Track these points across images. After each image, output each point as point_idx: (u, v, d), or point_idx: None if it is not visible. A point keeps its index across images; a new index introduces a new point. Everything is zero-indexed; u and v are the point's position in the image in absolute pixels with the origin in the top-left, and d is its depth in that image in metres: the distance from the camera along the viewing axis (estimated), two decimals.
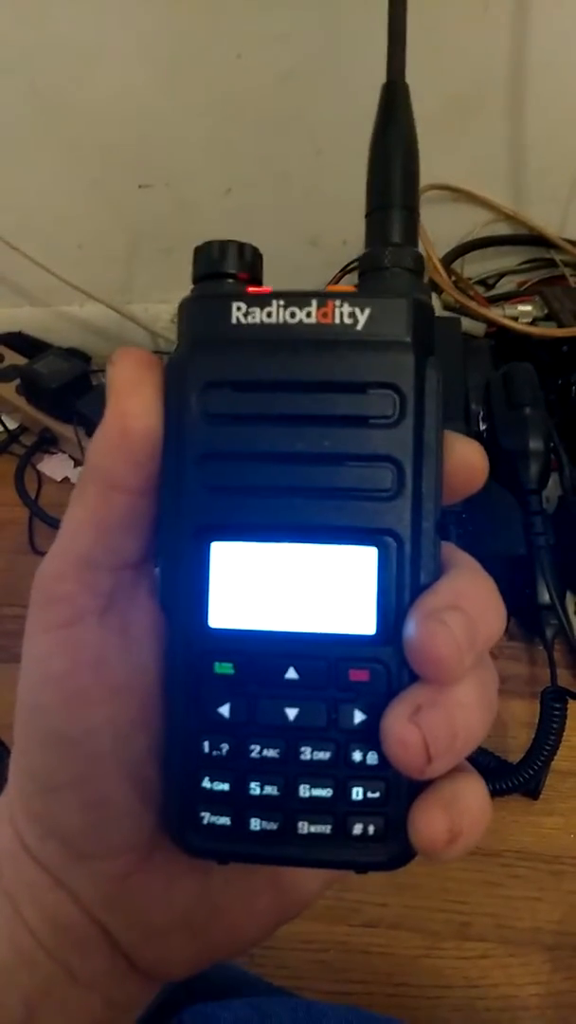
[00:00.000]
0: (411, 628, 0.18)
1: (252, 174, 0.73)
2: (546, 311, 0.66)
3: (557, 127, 0.69)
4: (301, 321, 0.18)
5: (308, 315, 0.18)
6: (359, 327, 0.18)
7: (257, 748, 0.18)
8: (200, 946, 0.21)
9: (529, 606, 0.54)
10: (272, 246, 0.84)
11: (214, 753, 0.18)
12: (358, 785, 0.18)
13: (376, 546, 0.18)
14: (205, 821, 0.19)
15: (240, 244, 0.20)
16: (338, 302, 0.18)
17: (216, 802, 0.18)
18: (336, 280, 0.75)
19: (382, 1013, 0.40)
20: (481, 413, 0.52)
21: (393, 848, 0.18)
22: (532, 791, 0.51)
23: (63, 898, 0.20)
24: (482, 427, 0.52)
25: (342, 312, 0.18)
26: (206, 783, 0.18)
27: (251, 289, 0.19)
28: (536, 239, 0.73)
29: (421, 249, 0.22)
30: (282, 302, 0.18)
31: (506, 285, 0.75)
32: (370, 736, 0.18)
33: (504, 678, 0.60)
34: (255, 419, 0.18)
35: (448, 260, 0.70)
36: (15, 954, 0.20)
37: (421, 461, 0.18)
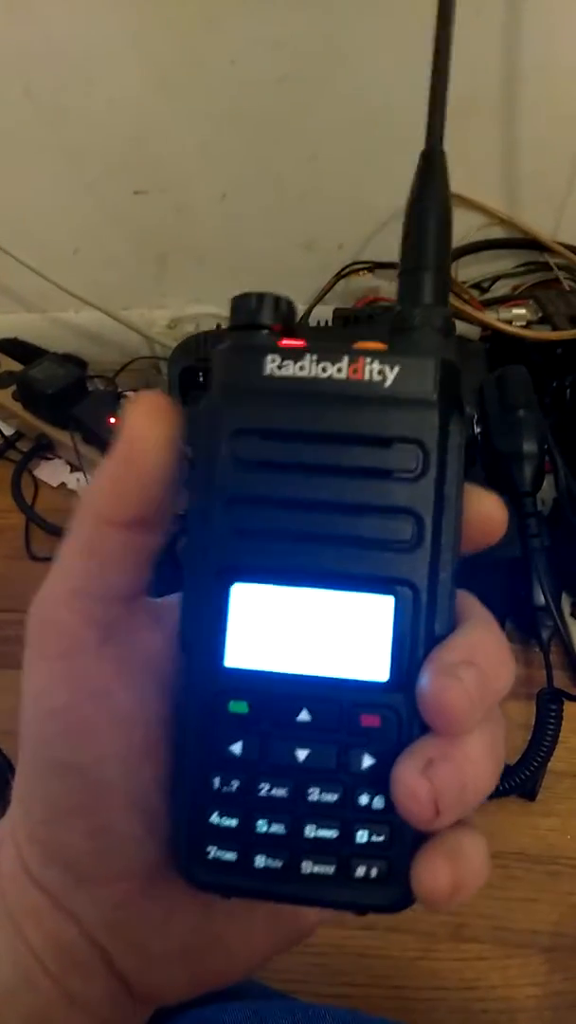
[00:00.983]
0: (425, 680, 0.18)
1: (247, 179, 0.73)
2: (540, 314, 0.66)
3: (550, 131, 0.69)
4: (332, 376, 0.19)
5: (339, 371, 0.19)
6: (387, 384, 0.19)
7: (266, 787, 0.19)
8: (196, 974, 0.21)
9: (525, 608, 0.54)
10: (267, 251, 0.85)
11: (224, 789, 0.19)
12: (363, 828, 0.19)
13: (393, 595, 0.19)
14: (211, 855, 0.19)
15: (276, 297, 0.20)
16: (368, 359, 0.19)
17: (223, 837, 0.19)
18: (331, 285, 0.75)
19: (380, 1015, 0.40)
20: (475, 416, 0.52)
21: (394, 892, 0.19)
22: (529, 792, 0.51)
23: (65, 922, 0.20)
24: (476, 430, 0.52)
25: (372, 369, 0.19)
26: (214, 818, 0.19)
27: (285, 342, 0.20)
28: (530, 243, 0.74)
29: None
30: (315, 357, 0.19)
31: (501, 289, 0.75)
32: (378, 781, 0.18)
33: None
34: (282, 467, 0.19)
35: None
36: (18, 975, 0.20)
37: (441, 514, 0.19)
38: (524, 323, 0.66)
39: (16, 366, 0.77)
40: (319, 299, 0.76)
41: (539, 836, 0.50)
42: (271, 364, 0.19)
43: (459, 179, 0.80)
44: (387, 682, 0.19)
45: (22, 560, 0.67)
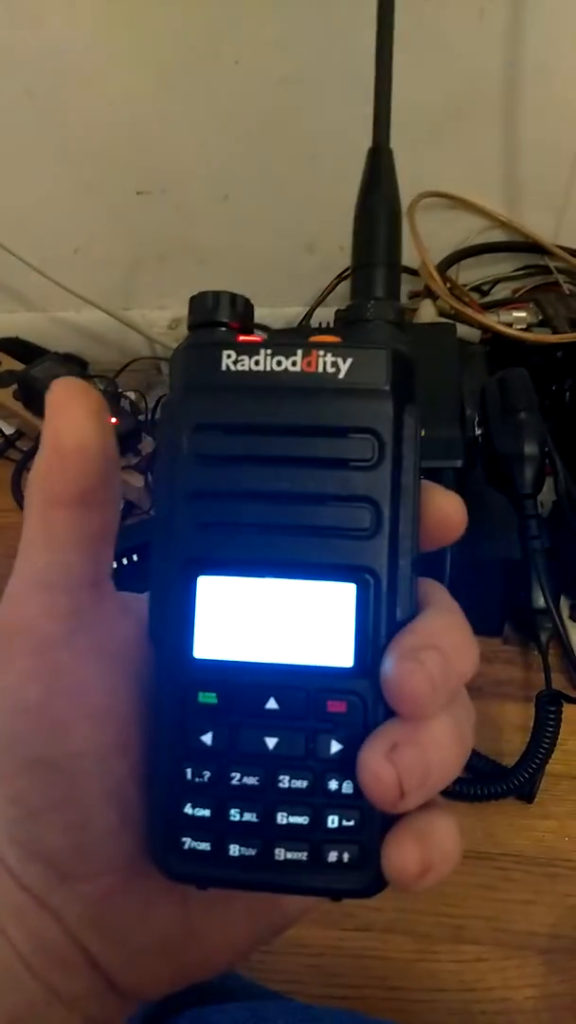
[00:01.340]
0: (388, 665, 0.18)
1: (249, 180, 0.74)
2: (540, 317, 0.67)
3: (552, 134, 0.70)
4: (287, 369, 0.19)
5: (293, 363, 0.19)
6: (341, 375, 0.19)
7: (237, 776, 0.19)
8: (177, 968, 0.22)
9: (524, 610, 0.54)
10: (268, 252, 0.85)
11: (196, 780, 0.19)
12: (334, 813, 0.19)
13: (354, 582, 0.19)
14: (186, 846, 0.19)
15: (232, 295, 0.21)
16: (321, 352, 0.19)
17: (197, 828, 0.19)
18: (332, 286, 0.75)
19: (377, 1017, 0.40)
20: (476, 418, 0.53)
21: (367, 876, 0.19)
22: (527, 794, 0.51)
23: (46, 919, 0.20)
24: (477, 432, 0.52)
25: (325, 361, 0.19)
26: (188, 809, 0.19)
27: (241, 338, 0.20)
28: (531, 246, 0.74)
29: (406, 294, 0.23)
30: (269, 351, 0.19)
31: (501, 292, 0.75)
32: (346, 766, 0.19)
33: (499, 682, 0.61)
34: (242, 460, 0.19)
35: (443, 267, 0.70)
36: (1, 973, 0.20)
37: (398, 502, 0.19)
38: (524, 326, 0.66)
39: (17, 365, 0.77)
40: (321, 300, 0.76)
41: (537, 838, 0.50)
42: (227, 360, 0.19)
43: (459, 182, 0.81)
44: (352, 668, 0.19)
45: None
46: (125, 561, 0.50)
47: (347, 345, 0.19)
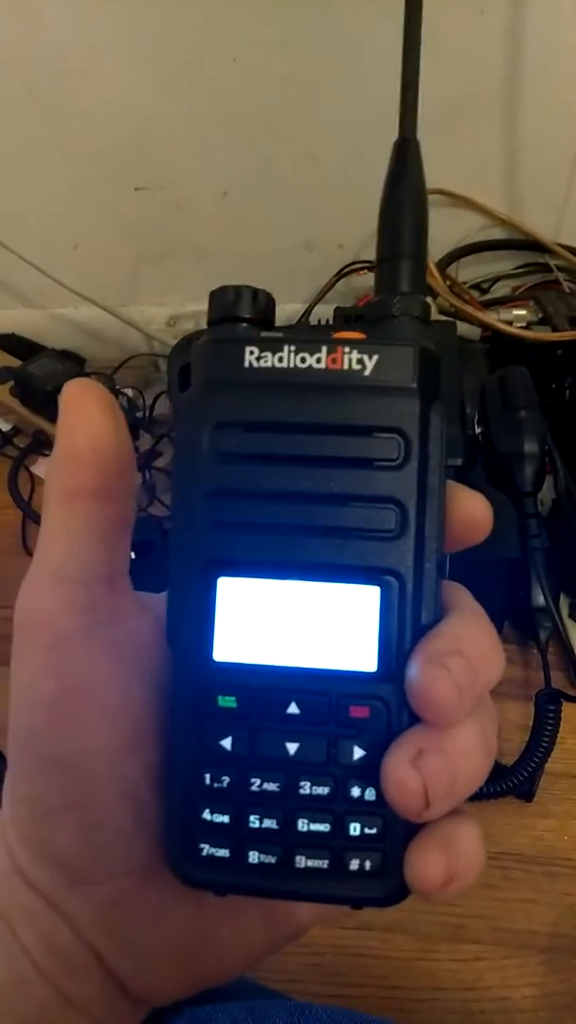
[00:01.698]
0: (413, 671, 0.18)
1: (248, 178, 0.73)
2: (540, 315, 0.66)
3: (552, 132, 0.70)
4: (311, 366, 0.19)
5: (318, 360, 0.19)
6: (367, 373, 0.19)
7: (257, 781, 0.19)
8: (190, 973, 0.21)
9: (523, 609, 0.54)
10: (267, 249, 0.85)
11: (215, 785, 0.19)
12: (356, 821, 0.18)
13: (379, 585, 0.19)
14: (204, 853, 0.19)
15: (254, 290, 0.20)
16: (347, 349, 0.19)
17: (216, 834, 0.19)
18: (332, 284, 0.75)
19: (377, 1016, 0.40)
20: (476, 416, 0.52)
21: (389, 884, 0.19)
22: (526, 793, 0.51)
23: (58, 922, 0.20)
24: (477, 430, 0.52)
25: (351, 358, 0.19)
26: (206, 815, 0.19)
27: (264, 334, 0.19)
28: (531, 244, 0.74)
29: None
30: (293, 348, 0.19)
31: (501, 289, 0.75)
32: (369, 772, 0.18)
33: (499, 681, 0.60)
34: (264, 459, 0.19)
35: (443, 264, 0.70)
36: (12, 977, 0.20)
37: (424, 503, 0.19)
38: (524, 324, 0.66)
39: (14, 362, 0.77)
40: (320, 298, 0.76)
41: (536, 837, 0.50)
42: (250, 356, 0.19)
43: (460, 180, 0.80)
44: (375, 672, 0.19)
45: (18, 556, 0.67)
46: None
47: (373, 342, 0.19)
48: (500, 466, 0.50)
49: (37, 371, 0.73)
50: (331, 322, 0.70)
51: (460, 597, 0.20)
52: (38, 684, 0.19)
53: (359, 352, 0.19)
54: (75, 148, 0.73)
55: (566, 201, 0.72)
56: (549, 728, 0.49)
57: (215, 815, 0.19)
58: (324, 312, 0.74)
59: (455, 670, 0.18)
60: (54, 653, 0.19)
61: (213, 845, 0.19)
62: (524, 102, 0.68)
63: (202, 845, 0.19)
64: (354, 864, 0.18)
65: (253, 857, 0.18)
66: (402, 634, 0.19)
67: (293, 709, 0.18)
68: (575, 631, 0.57)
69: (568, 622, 0.58)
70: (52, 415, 0.72)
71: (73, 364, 0.76)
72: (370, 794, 0.18)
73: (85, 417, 0.19)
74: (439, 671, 0.18)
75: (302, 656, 0.19)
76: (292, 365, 0.19)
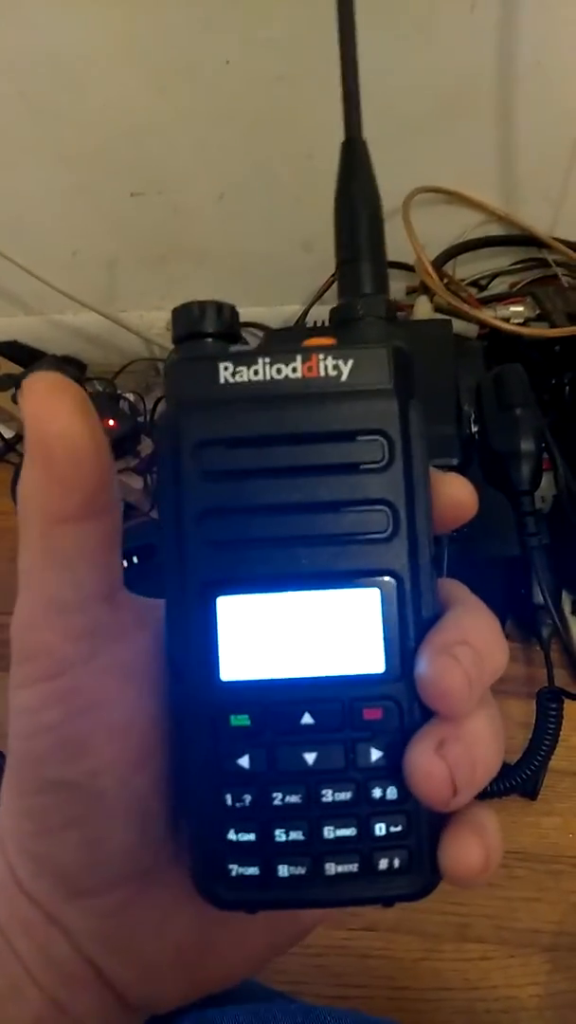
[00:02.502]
0: (423, 664, 0.18)
1: (244, 179, 0.73)
2: (538, 311, 0.66)
3: (547, 127, 0.69)
4: (287, 376, 0.19)
5: (294, 370, 0.19)
6: (343, 378, 0.19)
7: (279, 795, 0.19)
8: (191, 981, 0.21)
9: (525, 607, 0.54)
10: (265, 251, 0.85)
11: (237, 805, 0.19)
12: (380, 821, 0.19)
13: (378, 587, 0.19)
14: (234, 873, 0.19)
15: (218, 304, 0.20)
16: (322, 356, 0.19)
17: (244, 853, 0.19)
18: (329, 284, 0.75)
19: (382, 1016, 0.40)
20: (473, 415, 0.52)
21: (418, 879, 0.19)
22: (530, 791, 0.51)
23: (55, 934, 0.20)
24: (474, 429, 0.52)
25: (326, 365, 0.19)
26: (232, 835, 0.19)
27: (233, 348, 0.19)
28: (528, 239, 0.73)
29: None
30: (267, 359, 0.19)
31: (499, 286, 0.75)
32: (388, 772, 0.18)
33: (501, 678, 0.60)
34: (251, 473, 0.19)
35: (440, 262, 0.70)
36: (7, 987, 0.20)
37: (413, 501, 0.19)
38: (522, 320, 0.65)
39: (15, 368, 0.77)
40: (317, 299, 0.76)
41: (541, 835, 0.50)
42: (225, 372, 0.19)
43: (455, 176, 0.80)
44: (384, 673, 0.19)
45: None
46: (126, 564, 0.50)
47: (346, 346, 0.19)
48: (496, 465, 0.49)
49: None
50: (327, 323, 0.70)
51: (459, 591, 0.20)
52: (43, 711, 0.19)
53: (333, 358, 0.19)
54: (71, 153, 0.73)
55: (562, 195, 0.72)
56: (551, 726, 0.49)
57: (241, 834, 0.19)
58: (322, 313, 0.74)
59: (464, 660, 0.18)
60: (58, 682, 0.19)
61: (242, 864, 0.19)
62: (517, 97, 0.68)
63: (231, 866, 0.19)
64: (383, 863, 0.19)
65: (283, 871, 0.19)
66: (405, 632, 0.19)
67: (307, 719, 0.19)
68: None
69: (570, 619, 0.58)
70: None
71: (73, 370, 0.76)
72: (392, 793, 0.19)
73: (59, 428, 0.18)
74: (448, 661, 0.18)
75: (309, 665, 0.19)
76: (268, 377, 0.19)
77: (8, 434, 0.77)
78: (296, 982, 0.45)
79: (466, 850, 0.18)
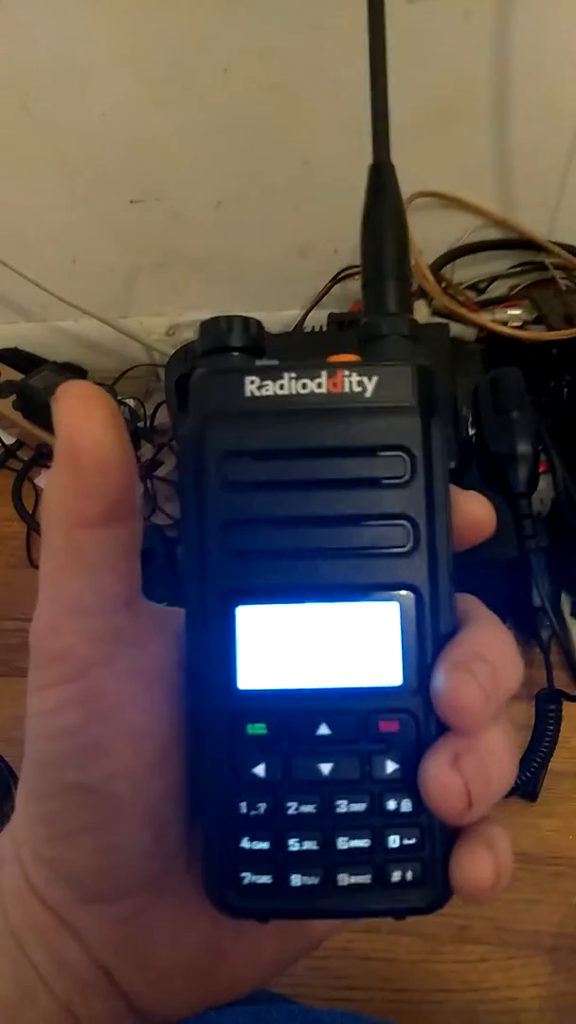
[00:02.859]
0: (439, 679, 0.18)
1: (242, 187, 0.74)
2: (536, 315, 0.66)
3: (543, 131, 0.70)
4: (312, 391, 0.19)
5: (319, 385, 0.19)
6: (367, 394, 0.19)
7: (294, 805, 0.19)
8: (201, 991, 0.21)
9: (524, 608, 0.54)
10: (263, 257, 0.85)
11: (252, 813, 0.19)
12: (395, 833, 0.19)
13: (397, 600, 0.19)
14: (246, 881, 0.19)
15: (245, 319, 0.21)
16: (347, 372, 0.19)
17: (257, 861, 0.19)
18: (327, 289, 0.75)
19: (383, 1019, 0.40)
20: (470, 418, 0.53)
21: (430, 892, 0.19)
22: (530, 793, 0.51)
23: (68, 939, 0.20)
24: (471, 432, 0.52)
25: (351, 381, 0.19)
26: (245, 843, 0.19)
27: (259, 362, 0.20)
28: (526, 243, 0.74)
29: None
30: (293, 374, 0.19)
31: (498, 289, 0.75)
32: (403, 784, 0.19)
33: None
34: (274, 485, 0.19)
35: (437, 266, 0.70)
36: (20, 993, 0.20)
37: (434, 517, 0.19)
38: (520, 324, 0.66)
39: (16, 375, 0.78)
40: (315, 304, 0.76)
41: (541, 837, 0.50)
42: (251, 386, 0.19)
43: (453, 181, 0.80)
44: (400, 686, 0.19)
45: (24, 568, 0.67)
46: None
47: (371, 363, 0.19)
48: (494, 467, 0.50)
49: (39, 384, 0.74)
50: (325, 328, 0.70)
51: (475, 607, 0.21)
52: (62, 714, 0.19)
53: (358, 374, 0.19)
54: (71, 162, 0.74)
55: (559, 199, 0.72)
56: (551, 727, 0.49)
57: (255, 843, 0.19)
58: (319, 318, 0.74)
59: (480, 675, 0.18)
60: (78, 684, 0.19)
61: (255, 872, 0.19)
62: (514, 102, 0.68)
63: (243, 874, 0.19)
64: (396, 876, 0.19)
65: (296, 880, 0.19)
66: (423, 646, 0.19)
67: (323, 730, 0.19)
68: None
69: (569, 621, 0.58)
70: (52, 415, 0.73)
71: (74, 376, 0.77)
72: (406, 805, 0.19)
73: (87, 435, 0.18)
74: (465, 676, 0.18)
75: (327, 677, 0.19)
76: (294, 392, 0.19)
77: (9, 440, 0.77)
78: (296, 984, 0.45)
79: (477, 865, 0.18)
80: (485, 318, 0.64)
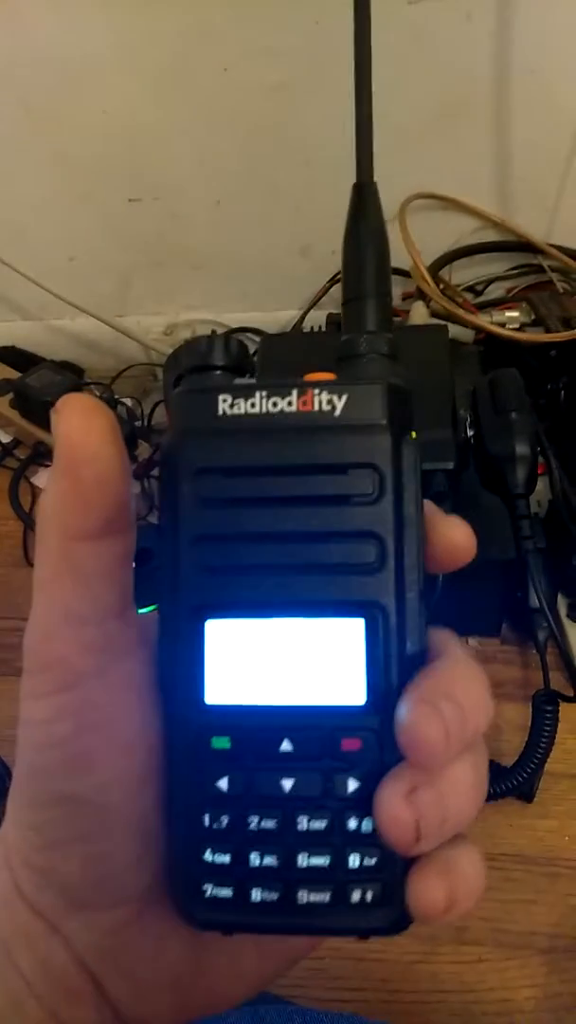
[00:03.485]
0: (403, 711, 0.18)
1: (241, 186, 0.74)
2: (534, 316, 0.66)
3: (542, 133, 0.70)
4: (283, 410, 0.19)
5: (289, 404, 0.19)
6: (337, 412, 0.19)
7: (255, 820, 0.19)
8: (185, 1004, 0.21)
9: (521, 610, 0.54)
10: (262, 256, 0.85)
11: (214, 826, 0.19)
12: (355, 852, 0.19)
13: (363, 617, 0.19)
14: (208, 894, 0.19)
15: (227, 338, 0.21)
16: (317, 391, 0.19)
17: (218, 874, 0.19)
18: (325, 289, 0.75)
19: (379, 1020, 0.40)
20: (468, 419, 0.53)
21: (392, 913, 0.19)
22: (526, 794, 0.51)
23: (56, 946, 0.20)
24: (469, 433, 0.52)
25: (321, 400, 0.19)
26: (208, 856, 0.19)
27: (237, 381, 0.20)
28: (523, 245, 0.74)
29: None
30: (264, 393, 0.19)
31: (495, 291, 0.76)
32: (364, 804, 0.18)
33: (497, 682, 0.61)
34: (245, 502, 0.19)
35: (436, 268, 0.71)
36: (7, 1000, 0.20)
37: (402, 535, 0.19)
38: (517, 326, 0.66)
39: (13, 374, 0.78)
40: (313, 304, 0.76)
41: (537, 838, 0.50)
42: (223, 404, 0.19)
43: (451, 183, 0.80)
44: (364, 705, 0.19)
45: (21, 567, 0.67)
46: None
47: (342, 382, 0.19)
48: (492, 468, 0.50)
49: (35, 383, 0.74)
50: (324, 328, 0.70)
51: (450, 642, 0.20)
52: (55, 723, 0.19)
53: (328, 393, 0.19)
54: (69, 159, 0.74)
55: (558, 201, 0.73)
56: (547, 729, 0.49)
57: (216, 856, 0.19)
58: (318, 318, 0.74)
59: (445, 713, 0.18)
60: (71, 693, 0.19)
61: (216, 885, 0.19)
62: (513, 104, 0.68)
63: (205, 886, 0.19)
64: (356, 896, 0.19)
65: (256, 895, 0.19)
66: (389, 665, 0.19)
67: (286, 746, 0.19)
68: (573, 631, 0.57)
69: (565, 622, 0.58)
70: (51, 426, 0.73)
71: (71, 375, 0.77)
72: (367, 825, 0.19)
73: (91, 451, 0.18)
74: (429, 713, 0.18)
75: (292, 693, 0.19)
76: (264, 410, 0.19)
77: (6, 439, 0.77)
78: (292, 985, 0.45)
79: (429, 891, 0.18)
80: (483, 320, 0.65)
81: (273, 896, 0.19)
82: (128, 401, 0.76)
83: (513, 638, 0.60)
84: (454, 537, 0.20)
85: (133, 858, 0.20)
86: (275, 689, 0.19)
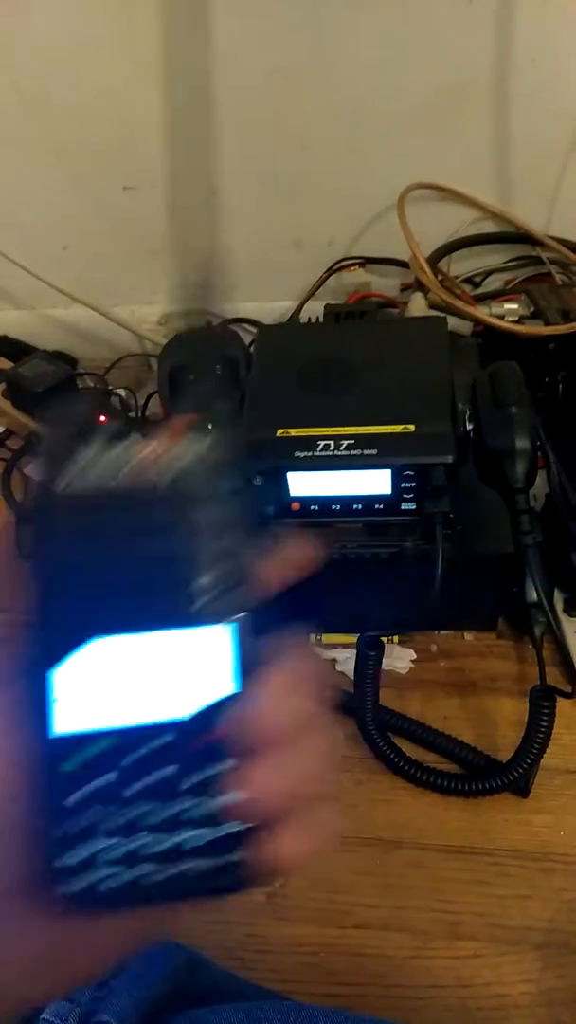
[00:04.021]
0: (229, 800, 0.21)
1: (237, 174, 0.73)
2: (532, 309, 0.66)
3: (542, 125, 0.69)
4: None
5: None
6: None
7: (105, 823, 0.21)
8: (51, 982, 0.23)
9: (518, 604, 0.54)
10: (257, 246, 0.84)
11: (69, 832, 0.21)
12: (188, 833, 0.21)
13: (184, 632, 0.21)
14: (65, 890, 0.21)
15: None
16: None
17: (76, 872, 0.21)
18: (322, 280, 0.75)
19: (374, 1015, 0.40)
20: (468, 412, 0.52)
21: (234, 875, 0.21)
22: (522, 789, 0.51)
23: None
24: (469, 426, 0.51)
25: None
26: (67, 858, 0.21)
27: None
28: (522, 237, 0.73)
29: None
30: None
31: (494, 283, 0.75)
32: (199, 795, 0.21)
33: (493, 677, 0.61)
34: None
35: (434, 259, 0.70)
36: None
37: (199, 559, 0.21)
38: (516, 318, 0.65)
39: (5, 364, 0.77)
40: (310, 295, 0.76)
41: (532, 833, 0.50)
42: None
43: (451, 173, 0.80)
44: (190, 717, 0.21)
45: (12, 559, 0.67)
46: None
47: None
48: (491, 462, 0.49)
49: (28, 373, 0.73)
50: (321, 319, 0.70)
51: (277, 663, 0.22)
52: None
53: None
54: (63, 146, 0.73)
55: (557, 193, 0.72)
56: (544, 724, 0.49)
57: (73, 858, 0.21)
58: (314, 309, 0.73)
59: (257, 785, 0.21)
60: None
61: (73, 880, 0.21)
62: (514, 94, 0.68)
63: (62, 883, 0.21)
64: (193, 869, 0.21)
65: (110, 882, 0.21)
66: (212, 673, 0.21)
67: (126, 761, 0.21)
68: (569, 626, 0.57)
69: (562, 617, 0.58)
70: (44, 417, 0.72)
71: (64, 365, 0.76)
72: (196, 812, 0.21)
73: None
74: (247, 802, 0.20)
75: (126, 713, 0.22)
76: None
77: None
78: (287, 980, 0.45)
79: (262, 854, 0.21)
80: (482, 312, 0.64)
81: (123, 878, 0.21)
82: (122, 392, 0.75)
83: (509, 633, 0.59)
84: (293, 554, 0.23)
85: (3, 862, 0.21)
86: (109, 711, 0.22)
